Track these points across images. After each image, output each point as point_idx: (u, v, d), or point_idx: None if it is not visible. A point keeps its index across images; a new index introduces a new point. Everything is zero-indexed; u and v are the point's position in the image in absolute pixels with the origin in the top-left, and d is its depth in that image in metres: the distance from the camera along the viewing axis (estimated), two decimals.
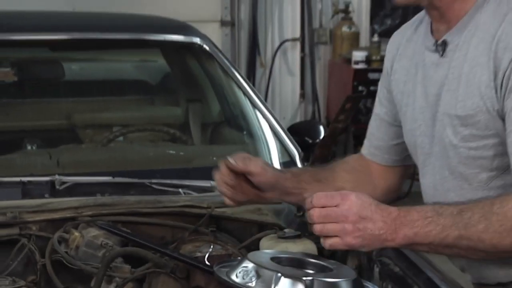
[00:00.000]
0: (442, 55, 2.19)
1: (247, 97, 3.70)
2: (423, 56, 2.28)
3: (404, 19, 8.50)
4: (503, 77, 2.01)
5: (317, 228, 2.00)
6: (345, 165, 2.62)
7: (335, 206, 1.97)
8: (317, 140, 3.62)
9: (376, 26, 8.24)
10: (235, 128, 3.84)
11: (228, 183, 2.46)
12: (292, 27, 8.03)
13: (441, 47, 2.19)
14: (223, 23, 7.89)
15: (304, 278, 2.13)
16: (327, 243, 2.00)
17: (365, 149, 2.61)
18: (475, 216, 1.97)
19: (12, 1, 6.75)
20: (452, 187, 2.20)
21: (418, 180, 2.45)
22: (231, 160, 2.38)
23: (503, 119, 2.04)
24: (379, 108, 2.53)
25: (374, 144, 2.56)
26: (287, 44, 8.01)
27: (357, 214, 1.96)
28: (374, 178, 2.60)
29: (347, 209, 1.96)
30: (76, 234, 2.59)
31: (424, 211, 2.02)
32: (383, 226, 1.97)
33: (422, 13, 2.35)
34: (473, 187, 2.15)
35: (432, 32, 2.26)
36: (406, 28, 2.46)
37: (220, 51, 3.95)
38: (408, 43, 2.40)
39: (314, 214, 1.99)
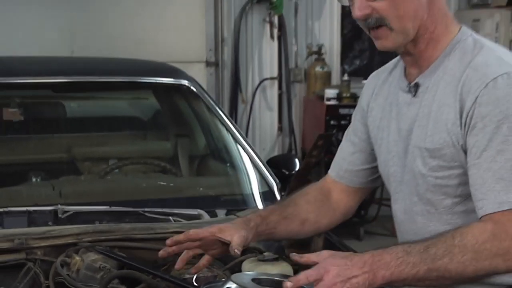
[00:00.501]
0: (414, 95, 2.22)
1: (230, 132, 3.70)
2: (397, 96, 2.30)
3: (371, 60, 8.59)
4: (467, 117, 2.04)
5: None
6: (307, 197, 2.60)
7: (322, 280, 1.97)
8: (293, 172, 3.62)
9: (346, 66, 8.26)
10: (219, 160, 3.83)
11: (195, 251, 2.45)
12: (271, 67, 8.02)
13: (414, 88, 2.22)
14: (208, 63, 7.86)
15: None
16: None
17: (333, 172, 2.60)
18: (440, 251, 1.98)
19: (17, 45, 6.86)
20: (420, 211, 2.22)
21: (384, 205, 2.49)
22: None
23: (465, 152, 2.06)
24: (353, 137, 2.54)
25: (344, 168, 2.55)
26: (266, 82, 8.01)
27: (341, 278, 1.96)
28: (333, 203, 2.58)
29: (332, 278, 1.96)
30: (77, 258, 2.59)
31: (395, 252, 2.02)
32: (364, 276, 1.97)
33: (396, 59, 2.39)
34: (439, 211, 2.18)
35: (405, 75, 2.28)
36: (381, 72, 2.49)
37: (206, 92, 3.97)
38: (383, 85, 2.43)
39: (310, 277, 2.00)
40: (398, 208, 2.33)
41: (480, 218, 2.03)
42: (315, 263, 2.04)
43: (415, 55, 2.21)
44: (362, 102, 2.53)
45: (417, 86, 2.22)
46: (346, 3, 2.19)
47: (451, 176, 2.13)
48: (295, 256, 2.13)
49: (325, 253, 2.09)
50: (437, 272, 1.98)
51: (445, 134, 2.10)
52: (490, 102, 2.02)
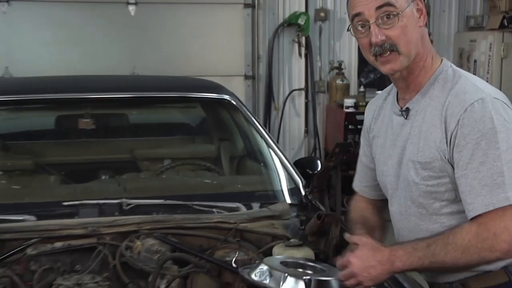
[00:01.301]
0: (406, 118, 2.26)
1: (263, 138, 3.69)
2: (391, 119, 2.34)
3: (383, 75, 8.45)
4: (451, 136, 2.08)
5: (349, 284, 2.15)
6: (363, 211, 2.61)
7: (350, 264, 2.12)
8: (315, 172, 3.61)
9: (362, 79, 8.16)
10: (254, 161, 3.83)
11: None
12: (299, 80, 7.97)
13: (405, 112, 2.25)
14: (246, 77, 7.78)
15: (304, 277, 2.24)
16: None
17: (356, 187, 2.67)
18: (438, 248, 2.06)
19: (88, 64, 6.94)
20: (413, 213, 2.26)
21: None
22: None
23: (451, 165, 2.10)
24: (364, 158, 2.59)
25: (363, 184, 2.62)
26: (295, 92, 7.96)
27: (361, 268, 2.10)
28: (372, 211, 2.58)
29: (354, 268, 2.11)
30: (138, 243, 2.67)
31: (406, 249, 2.13)
32: (381, 267, 2.10)
33: (389, 88, 2.43)
34: (429, 213, 2.22)
35: (397, 101, 2.31)
36: (377, 99, 2.52)
37: (243, 105, 3.96)
38: (380, 110, 2.46)
39: (342, 276, 2.15)
40: (395, 210, 2.37)
41: (471, 218, 2.06)
42: (355, 243, 2.18)
43: (408, 80, 2.23)
44: (365, 126, 2.57)
45: (408, 110, 2.25)
46: (354, 34, 2.21)
47: (440, 184, 2.17)
48: (347, 235, 2.29)
49: (364, 239, 2.21)
50: (437, 264, 2.07)
51: (434, 150, 2.14)
52: (469, 124, 2.05)
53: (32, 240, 2.67)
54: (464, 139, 2.06)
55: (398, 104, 2.30)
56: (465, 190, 2.08)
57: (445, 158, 2.12)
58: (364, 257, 2.12)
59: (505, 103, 2.13)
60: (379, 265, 2.11)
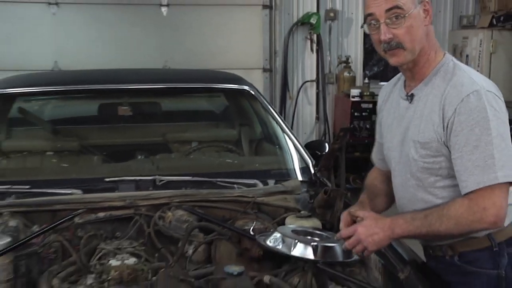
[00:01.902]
0: (410, 102, 2.28)
1: (278, 124, 3.70)
2: (398, 102, 2.36)
3: (385, 67, 8.45)
4: (448, 122, 2.11)
5: (356, 250, 2.20)
6: (376, 180, 2.66)
7: (353, 235, 2.16)
8: (323, 153, 3.61)
9: (367, 72, 8.16)
10: (270, 144, 3.81)
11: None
12: (310, 72, 7.96)
13: (410, 97, 2.29)
14: (264, 70, 7.77)
15: (312, 243, 2.28)
16: (367, 254, 2.24)
17: (373, 160, 2.68)
18: (434, 219, 2.10)
19: (126, 58, 6.94)
20: (412, 185, 2.29)
21: None
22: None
23: (447, 147, 2.13)
24: (378, 135, 2.61)
25: (378, 157, 2.64)
26: (307, 83, 7.95)
27: (367, 234, 2.14)
28: (389, 181, 2.54)
29: (361, 235, 2.15)
30: (169, 213, 2.70)
31: (405, 218, 2.18)
32: (383, 233, 2.14)
33: (398, 76, 2.44)
34: (425, 185, 2.25)
35: (405, 87, 2.33)
36: (387, 85, 2.54)
37: (261, 94, 3.95)
38: (389, 94, 2.48)
39: (348, 244, 2.20)
40: (397, 181, 2.40)
41: (464, 194, 2.09)
42: (360, 217, 2.23)
43: (414, 71, 2.25)
44: (378, 107, 2.60)
45: (412, 96, 2.28)
46: (368, 31, 2.24)
47: (435, 162, 2.20)
48: (351, 210, 2.33)
49: (367, 213, 2.26)
50: (432, 232, 2.11)
51: (432, 132, 2.17)
52: (465, 112, 2.08)
53: (79, 211, 2.71)
54: (460, 126, 2.09)
55: (405, 90, 2.33)
56: (460, 169, 2.11)
57: (441, 140, 2.15)
58: (368, 226, 2.16)
59: (496, 95, 2.15)
60: (382, 231, 2.15)
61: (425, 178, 2.25)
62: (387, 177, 2.55)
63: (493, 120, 2.08)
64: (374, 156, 2.67)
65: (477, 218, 2.07)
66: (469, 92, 2.10)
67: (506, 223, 2.19)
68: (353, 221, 2.30)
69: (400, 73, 2.41)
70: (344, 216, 2.36)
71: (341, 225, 2.33)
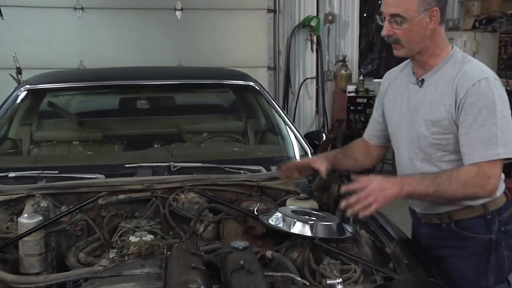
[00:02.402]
0: (420, 87, 2.30)
1: (281, 117, 3.69)
2: (408, 86, 2.38)
3: (379, 66, 8.47)
4: (460, 103, 2.16)
5: (359, 206, 2.12)
6: (357, 146, 2.69)
7: (366, 188, 2.12)
8: (321, 142, 3.63)
9: (362, 70, 8.11)
10: (273, 134, 3.81)
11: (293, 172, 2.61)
12: (311, 70, 7.94)
13: (420, 82, 2.31)
14: (269, 68, 7.78)
15: (309, 222, 2.29)
16: (372, 208, 2.12)
17: (366, 135, 2.68)
18: (443, 179, 2.13)
19: (144, 57, 6.94)
20: (420, 158, 2.31)
21: (386, 163, 2.56)
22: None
23: (456, 125, 2.17)
24: (375, 115, 2.62)
25: (371, 133, 2.65)
26: (308, 80, 7.93)
27: (379, 188, 2.11)
28: (371, 151, 2.66)
29: (372, 188, 2.11)
30: (183, 196, 2.73)
31: (415, 177, 2.19)
32: (393, 189, 2.12)
33: (404, 63, 2.49)
34: (432, 159, 2.28)
35: (413, 73, 2.35)
36: (393, 71, 2.56)
37: (265, 89, 3.95)
38: (395, 79, 2.50)
39: (361, 197, 2.12)
40: (402, 156, 2.40)
41: (467, 165, 2.14)
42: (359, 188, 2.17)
43: (420, 61, 2.29)
44: (381, 90, 2.60)
45: (423, 81, 2.30)
46: (381, 23, 2.27)
47: (444, 138, 2.23)
48: (354, 177, 2.27)
49: (373, 176, 2.20)
50: (439, 192, 2.13)
51: (444, 112, 2.20)
52: (476, 95, 2.14)
53: (102, 193, 2.74)
54: (470, 106, 2.14)
55: (414, 76, 2.35)
56: (466, 144, 2.16)
57: (452, 118, 2.19)
58: (380, 181, 2.15)
59: (500, 83, 2.23)
60: (392, 187, 2.14)
61: (433, 152, 2.28)
62: (371, 150, 2.63)
63: (499, 104, 2.15)
64: (368, 132, 2.68)
65: (481, 184, 2.13)
66: (480, 78, 2.16)
67: (498, 195, 2.27)
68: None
69: (407, 60, 2.44)
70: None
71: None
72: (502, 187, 2.29)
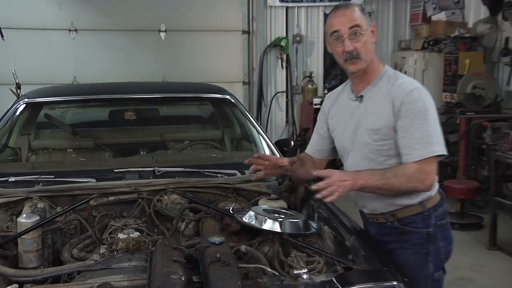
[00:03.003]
0: (360, 102, 2.33)
1: (254, 127, 3.71)
2: (348, 104, 2.40)
3: (341, 81, 8.39)
4: (397, 111, 2.21)
5: (325, 192, 2.12)
6: (306, 157, 2.65)
7: (330, 177, 2.13)
8: (289, 149, 3.62)
9: (326, 84, 8.09)
10: (248, 142, 3.81)
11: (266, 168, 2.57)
12: (281, 85, 7.96)
13: (360, 98, 2.33)
14: (244, 83, 7.79)
15: (279, 219, 2.30)
16: (334, 196, 2.13)
17: (309, 150, 2.66)
18: (390, 175, 2.18)
19: (132, 74, 6.88)
20: (364, 165, 2.31)
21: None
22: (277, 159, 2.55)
23: (395, 130, 2.21)
24: (319, 131, 2.60)
25: (315, 148, 2.63)
26: (279, 94, 7.96)
27: (339, 179, 2.14)
28: (314, 165, 2.60)
29: (335, 178, 2.13)
30: (166, 197, 2.73)
31: (367, 172, 2.21)
32: (350, 181, 2.15)
33: (342, 86, 2.51)
34: (376, 164, 2.29)
35: (352, 91, 2.38)
36: (333, 93, 2.58)
37: (240, 102, 3.95)
38: (336, 99, 2.51)
39: (323, 184, 2.14)
40: (350, 164, 2.40)
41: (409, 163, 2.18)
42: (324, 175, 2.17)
43: (363, 77, 2.31)
44: (324, 110, 2.59)
45: (362, 97, 2.33)
46: (335, 41, 2.28)
47: (384, 144, 2.26)
48: (314, 172, 2.27)
49: (332, 170, 2.23)
50: (387, 185, 2.17)
51: (384, 121, 2.24)
52: (410, 103, 2.18)
53: (93, 195, 2.72)
54: (405, 113, 2.19)
55: (354, 94, 2.38)
56: (405, 145, 2.20)
57: (391, 126, 2.23)
58: (340, 173, 2.17)
59: (428, 92, 2.28)
60: (350, 179, 2.16)
61: (377, 158, 2.30)
62: (313, 162, 2.61)
63: (430, 109, 2.22)
64: (311, 147, 2.65)
65: (421, 178, 2.18)
66: (412, 88, 2.22)
67: (433, 194, 2.31)
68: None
69: (343, 84, 2.50)
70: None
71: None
72: (436, 186, 2.33)
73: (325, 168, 2.60)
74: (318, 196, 2.17)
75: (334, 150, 2.58)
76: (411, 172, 2.17)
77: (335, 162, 2.67)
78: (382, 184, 2.18)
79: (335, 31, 2.26)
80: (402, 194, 2.26)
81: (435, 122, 2.22)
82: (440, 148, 2.19)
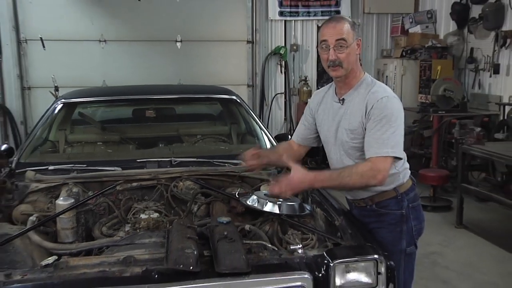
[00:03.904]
0: (342, 104, 2.30)
1: (257, 123, 3.68)
2: (332, 105, 2.37)
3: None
4: (368, 114, 2.18)
5: (282, 192, 2.20)
6: (286, 146, 2.64)
7: (287, 182, 2.17)
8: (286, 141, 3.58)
9: (319, 87, 7.92)
10: (251, 136, 3.78)
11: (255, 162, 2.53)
12: (280, 87, 7.91)
13: (342, 101, 2.30)
14: (248, 85, 7.75)
15: (277, 203, 2.27)
16: (287, 195, 2.23)
17: (295, 138, 2.60)
18: (345, 175, 2.14)
19: (152, 77, 6.92)
20: (344, 158, 2.31)
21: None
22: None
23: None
24: (305, 122, 2.55)
25: (300, 136, 2.58)
26: (278, 95, 7.92)
27: (298, 181, 2.15)
28: (295, 151, 2.58)
29: (290, 182, 2.16)
30: (181, 183, 2.72)
31: (324, 174, 2.18)
32: (307, 183, 2.18)
33: (328, 86, 2.46)
34: (353, 157, 2.28)
35: (336, 94, 2.35)
36: (320, 92, 2.53)
37: (245, 102, 3.93)
38: (322, 99, 2.47)
39: (282, 185, 2.19)
40: (333, 157, 2.39)
41: (367, 159, 2.16)
42: (291, 167, 2.20)
43: (345, 82, 2.29)
44: (311, 106, 2.54)
45: (343, 100, 2.30)
46: (323, 51, 2.25)
47: (360, 142, 2.24)
48: (286, 162, 2.32)
49: (298, 166, 2.21)
50: (343, 183, 2.15)
51: (358, 122, 2.21)
52: (379, 108, 2.15)
53: (119, 181, 2.73)
54: (373, 116, 2.16)
55: (337, 96, 2.36)
56: (367, 144, 2.18)
57: (364, 127, 2.21)
58: (300, 176, 2.16)
59: (398, 100, 2.24)
60: (308, 181, 2.17)
61: (354, 153, 2.28)
62: (297, 150, 2.59)
63: (394, 115, 2.17)
64: (296, 135, 2.61)
65: (372, 175, 2.12)
66: (383, 96, 2.18)
67: (404, 180, 2.30)
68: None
69: (329, 85, 2.46)
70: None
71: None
72: (407, 173, 2.32)
73: (305, 155, 2.64)
74: (269, 193, 2.28)
75: (316, 139, 2.55)
76: (364, 170, 2.13)
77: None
78: (338, 183, 2.17)
79: (324, 40, 2.23)
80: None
81: (397, 129, 2.16)
82: (393, 150, 2.14)
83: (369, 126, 2.18)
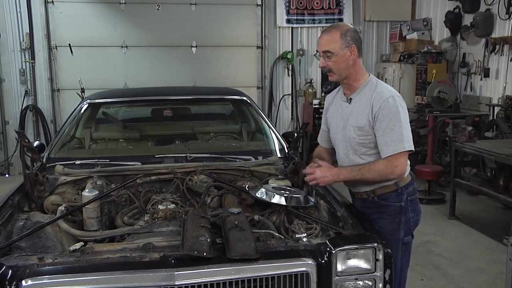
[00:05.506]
0: (349, 104, 2.30)
1: (266, 122, 3.65)
2: (341, 104, 2.37)
3: (335, 86, 8.33)
4: (375, 114, 2.18)
5: (314, 181, 2.23)
6: (322, 149, 2.58)
7: (313, 172, 2.23)
8: (293, 139, 3.43)
9: (323, 89, 7.96)
10: (261, 134, 3.75)
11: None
12: (287, 89, 7.88)
13: (349, 100, 2.30)
14: (258, 87, 7.74)
15: (284, 195, 2.28)
16: (315, 183, 2.25)
17: (319, 141, 2.59)
18: (365, 170, 2.18)
19: (170, 80, 6.95)
20: (351, 154, 2.31)
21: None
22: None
23: (373, 129, 2.20)
24: (324, 125, 2.55)
25: (322, 139, 2.58)
26: (285, 96, 7.89)
27: (321, 175, 2.19)
28: (330, 152, 2.54)
29: (317, 175, 2.20)
30: (196, 177, 2.71)
31: (347, 169, 2.22)
32: (331, 177, 2.21)
33: (337, 89, 2.45)
34: (359, 153, 2.28)
35: (344, 94, 2.35)
36: (332, 94, 2.52)
37: (255, 102, 3.90)
38: (333, 100, 2.47)
39: (308, 178, 2.25)
40: (340, 152, 2.39)
41: (383, 157, 2.16)
42: (318, 164, 2.26)
43: (347, 84, 2.29)
44: (325, 107, 2.55)
45: (350, 99, 2.30)
46: (318, 59, 2.28)
47: (366, 139, 2.24)
48: (314, 159, 2.35)
49: (323, 162, 2.29)
50: (363, 179, 2.21)
51: (365, 120, 2.21)
52: (386, 108, 2.15)
53: (139, 175, 2.73)
54: (382, 116, 2.17)
55: (345, 96, 2.36)
56: (382, 143, 2.18)
57: (370, 125, 2.21)
58: (323, 170, 2.21)
59: (402, 99, 2.24)
60: (331, 175, 2.20)
61: (360, 149, 2.28)
62: (329, 152, 2.57)
63: (402, 113, 2.18)
64: (320, 138, 2.62)
65: (390, 171, 2.17)
66: (388, 96, 2.18)
67: (404, 175, 2.29)
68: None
69: (339, 87, 2.45)
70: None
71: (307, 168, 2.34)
72: (408, 169, 2.32)
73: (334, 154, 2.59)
74: (306, 179, 2.28)
75: None
76: (381, 168, 2.18)
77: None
78: (359, 178, 2.23)
79: (317, 49, 2.28)
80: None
81: (406, 124, 2.19)
82: (409, 144, 2.17)
83: (380, 126, 2.18)
